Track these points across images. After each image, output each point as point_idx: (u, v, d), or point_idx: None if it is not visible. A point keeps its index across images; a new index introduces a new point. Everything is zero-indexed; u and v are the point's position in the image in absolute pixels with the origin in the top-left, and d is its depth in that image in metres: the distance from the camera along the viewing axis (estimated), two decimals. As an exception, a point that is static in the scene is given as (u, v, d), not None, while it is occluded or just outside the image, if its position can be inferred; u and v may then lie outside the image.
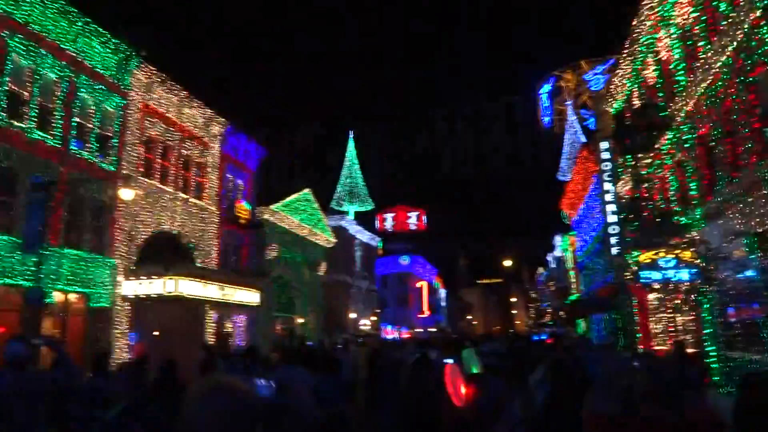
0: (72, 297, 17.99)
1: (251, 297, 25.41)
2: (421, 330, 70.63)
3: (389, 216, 76.93)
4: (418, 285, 74.69)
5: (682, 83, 16.64)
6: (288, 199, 33.12)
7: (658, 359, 14.00)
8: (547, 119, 39.99)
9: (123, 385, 6.98)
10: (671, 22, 17.09)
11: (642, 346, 21.35)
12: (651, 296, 22.38)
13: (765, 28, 11.04)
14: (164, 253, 22.42)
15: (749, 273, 14.39)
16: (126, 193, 17.99)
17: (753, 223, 12.67)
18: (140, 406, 3.35)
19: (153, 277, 19.99)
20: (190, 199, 24.06)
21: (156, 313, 21.38)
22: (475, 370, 3.94)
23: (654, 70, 19.54)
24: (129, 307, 20.04)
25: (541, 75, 42.68)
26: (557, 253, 57.97)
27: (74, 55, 18.18)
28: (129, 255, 20.20)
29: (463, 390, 2.44)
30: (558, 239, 55.28)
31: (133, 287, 19.94)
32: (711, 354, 15.45)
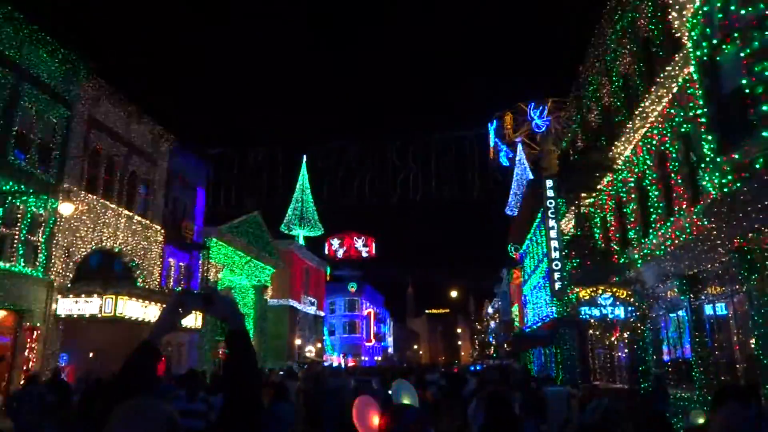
0: (1, 314, 17.15)
1: (193, 319, 24.76)
2: (367, 358, 70.21)
3: (339, 242, 76.75)
4: (365, 312, 74.38)
5: (622, 128, 17.40)
6: (236, 220, 32.69)
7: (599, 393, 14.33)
8: (495, 155, 41.19)
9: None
10: (614, 70, 17.93)
11: (584, 380, 21.82)
12: (590, 332, 23.02)
13: (696, 82, 11.71)
14: (104, 271, 21.69)
15: (680, 313, 15.00)
16: (66, 208, 17.38)
17: (683, 266, 13.25)
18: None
19: (91, 296, 19.28)
20: (135, 217, 23.44)
21: (92, 334, 20.57)
22: (406, 401, 3.89)
23: (597, 114, 20.38)
24: (62, 327, 19.21)
25: (492, 112, 44.04)
26: (504, 286, 58.88)
27: (18, 62, 17.62)
28: (66, 272, 19.43)
29: (376, 421, 2.44)
30: (505, 272, 56.21)
31: (68, 306, 19.13)
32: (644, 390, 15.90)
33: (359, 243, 77.62)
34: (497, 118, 40.74)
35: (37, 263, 18.36)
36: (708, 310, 13.42)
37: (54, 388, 12.22)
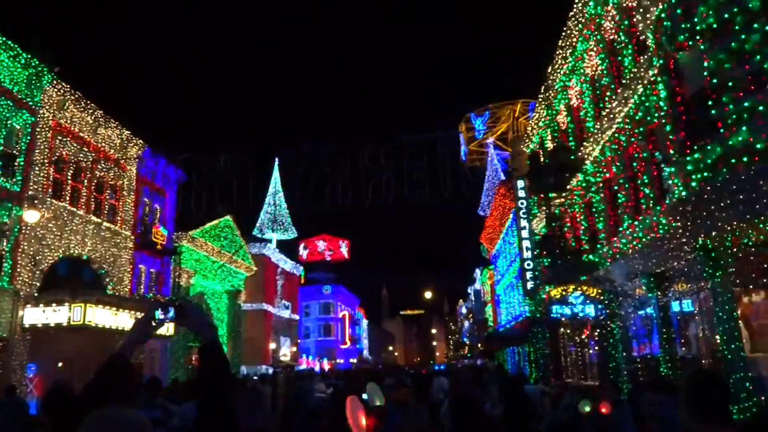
0: (-37, 325, 16.70)
1: (165, 327, 24.41)
2: (342, 361, 70.02)
3: (313, 244, 76.43)
4: (340, 315, 74.21)
5: (590, 129, 17.70)
6: (208, 225, 32.34)
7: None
8: (462, 153, 41.46)
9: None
10: (582, 72, 18.22)
11: (554, 379, 22.12)
12: (561, 330, 23.34)
13: (661, 84, 11.98)
14: (72, 279, 21.24)
15: (648, 310, 15.31)
16: (30, 215, 17.00)
17: (650, 264, 13.53)
18: None
19: (59, 304, 18.85)
20: (103, 223, 23.01)
21: (60, 344, 20.11)
22: (378, 403, 4.06)
23: (566, 116, 20.68)
24: (29, 338, 18.75)
25: (464, 112, 44.19)
26: (477, 286, 59.29)
27: (-22, 68, 17.20)
28: (33, 281, 18.98)
29: (363, 422, 2.53)
30: (478, 273, 56.60)
31: (36, 315, 18.69)
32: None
33: (334, 246, 77.40)
34: (488, 110, 40.56)
35: (2, 273, 17.90)
36: (675, 306, 13.73)
37: (52, 402, 11.86)
